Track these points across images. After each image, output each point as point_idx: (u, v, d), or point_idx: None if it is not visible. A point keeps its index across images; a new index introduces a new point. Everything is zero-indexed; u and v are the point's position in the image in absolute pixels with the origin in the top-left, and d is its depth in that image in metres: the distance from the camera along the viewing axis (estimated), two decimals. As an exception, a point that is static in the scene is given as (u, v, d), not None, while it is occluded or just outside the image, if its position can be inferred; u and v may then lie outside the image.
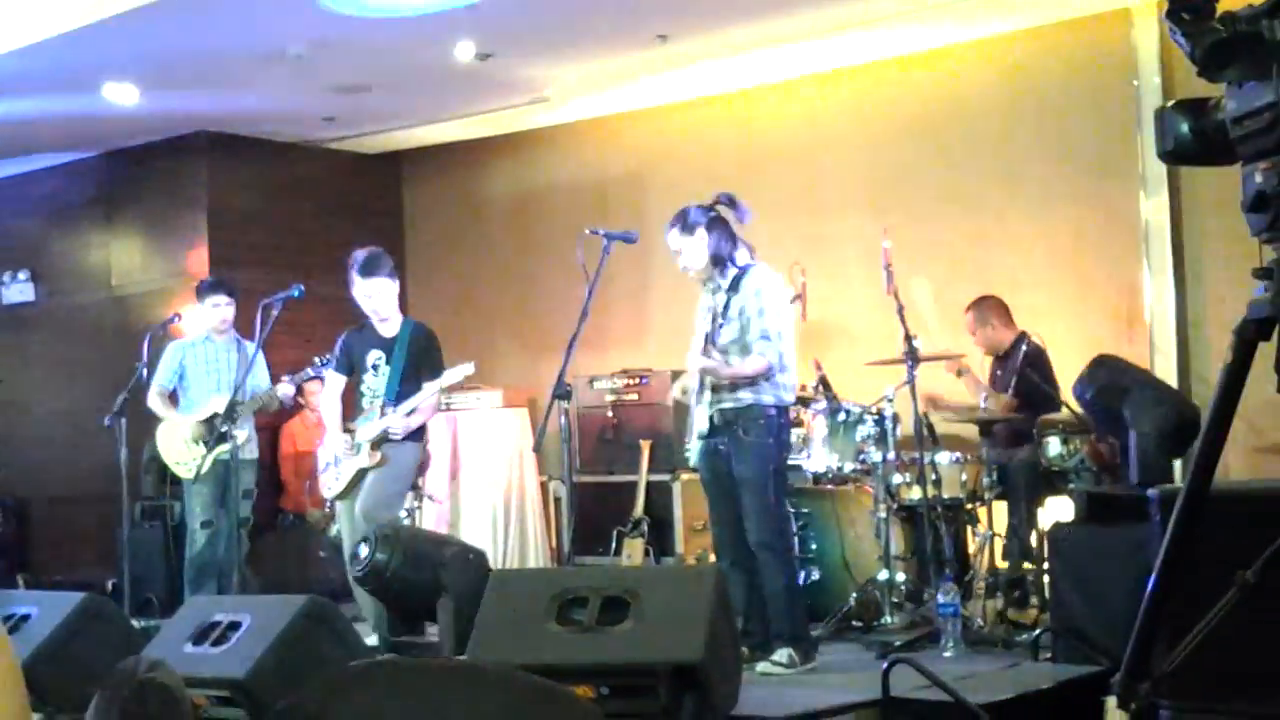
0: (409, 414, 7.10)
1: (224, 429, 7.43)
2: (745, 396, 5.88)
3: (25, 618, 5.26)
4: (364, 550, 6.24)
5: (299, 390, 9.75)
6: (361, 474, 7.14)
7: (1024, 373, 7.25)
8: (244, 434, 7.85)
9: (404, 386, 7.14)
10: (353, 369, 7.34)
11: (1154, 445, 5.91)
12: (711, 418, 5.94)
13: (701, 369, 5.88)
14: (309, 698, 3.01)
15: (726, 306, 5.94)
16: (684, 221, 6.02)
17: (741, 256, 6.05)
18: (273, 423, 10.00)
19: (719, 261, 6.00)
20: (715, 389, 5.93)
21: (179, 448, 8.10)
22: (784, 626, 5.87)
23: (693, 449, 6.10)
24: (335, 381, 7.41)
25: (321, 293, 8.92)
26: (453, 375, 7.07)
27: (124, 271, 11.26)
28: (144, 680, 2.78)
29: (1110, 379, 6.20)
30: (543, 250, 10.59)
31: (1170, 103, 2.87)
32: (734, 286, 5.96)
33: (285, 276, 8.69)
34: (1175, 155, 2.89)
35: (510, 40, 8.76)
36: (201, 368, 8.19)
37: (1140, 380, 6.37)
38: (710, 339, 5.94)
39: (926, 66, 9.07)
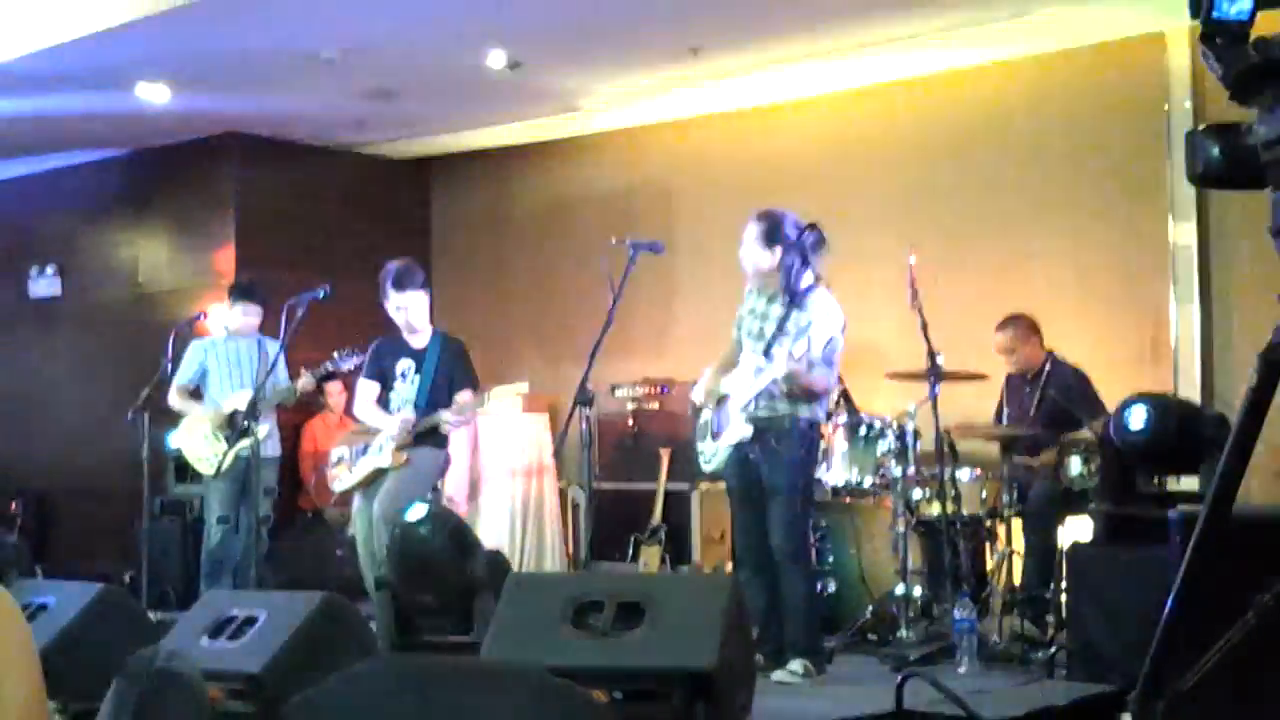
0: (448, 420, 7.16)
1: (245, 425, 7.45)
2: (781, 407, 5.91)
3: (43, 607, 5.27)
4: (414, 513, 6.22)
5: (319, 389, 9.79)
6: (378, 473, 7.16)
7: (1053, 395, 7.22)
8: (265, 430, 7.87)
9: (434, 395, 7.18)
10: (384, 377, 7.37)
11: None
12: (746, 422, 5.95)
13: (790, 372, 5.77)
14: (323, 694, 3.02)
15: (784, 319, 5.94)
16: (773, 231, 6.03)
17: (806, 279, 6.05)
18: (293, 421, 10.04)
19: (786, 284, 5.99)
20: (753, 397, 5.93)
21: (200, 444, 8.13)
22: (800, 637, 5.89)
23: (719, 454, 6.09)
24: (368, 389, 7.41)
25: (347, 295, 8.93)
26: (506, 391, 7.15)
27: (151, 269, 11.32)
28: (162, 670, 2.78)
29: (1184, 416, 5.97)
30: (568, 258, 10.61)
31: (1201, 126, 2.86)
32: (798, 303, 5.95)
33: (311, 279, 8.69)
34: (1206, 179, 2.88)
35: (541, 50, 8.79)
36: (224, 366, 8.23)
37: (1198, 412, 6.21)
38: (765, 353, 5.94)
39: (957, 86, 9.07)
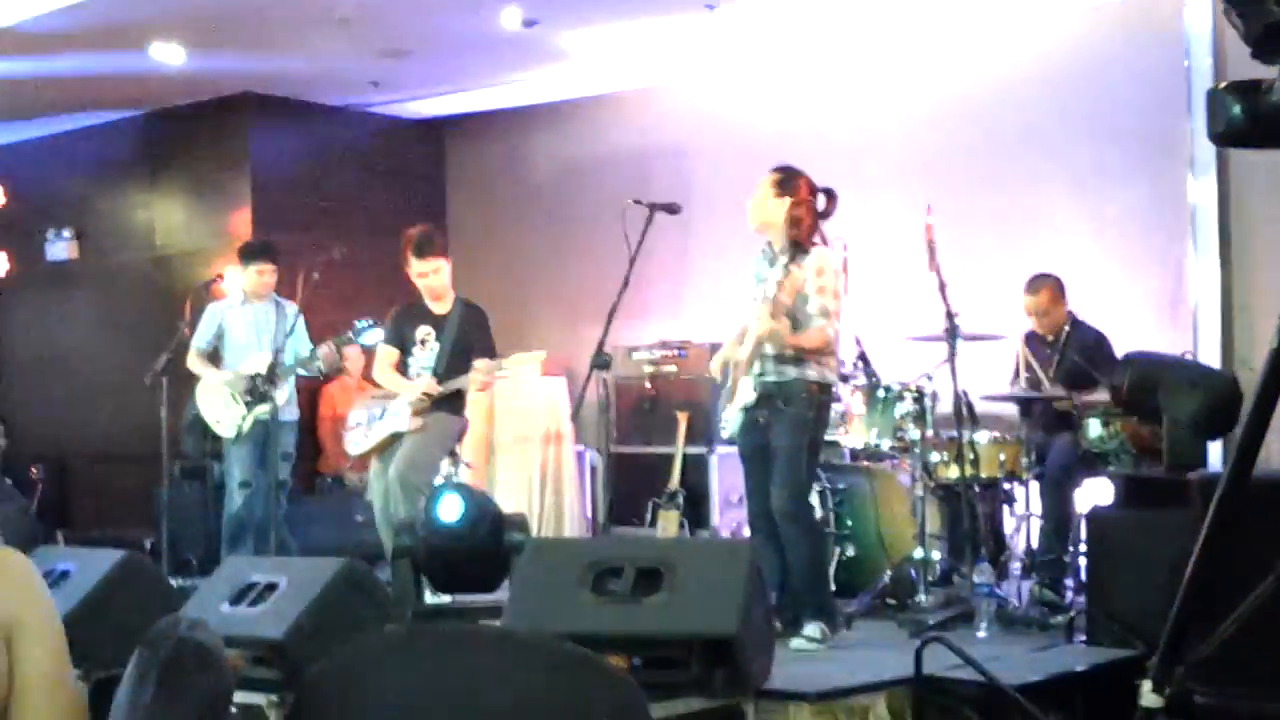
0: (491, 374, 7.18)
1: (264, 389, 7.46)
2: (790, 371, 5.86)
3: (65, 574, 5.28)
4: (456, 510, 6.19)
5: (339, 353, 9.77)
6: (395, 437, 7.18)
7: (1074, 356, 7.20)
8: (283, 395, 7.89)
9: (453, 361, 7.19)
10: (403, 342, 7.37)
11: (1186, 430, 5.86)
12: (755, 388, 5.92)
13: (767, 332, 5.78)
14: (343, 661, 3.03)
15: (784, 279, 5.90)
16: (788, 182, 6.00)
17: (811, 237, 6.02)
18: (311, 385, 10.05)
19: (794, 238, 5.95)
20: (760, 360, 5.90)
21: (219, 407, 8.15)
22: (810, 599, 5.86)
23: (731, 420, 6.08)
24: (387, 354, 7.43)
25: (363, 257, 8.96)
26: (524, 358, 7.14)
27: (167, 231, 11.32)
28: (183, 639, 2.79)
29: (1141, 376, 6.11)
30: (584, 219, 10.57)
31: (1222, 84, 2.83)
32: (795, 261, 5.92)
33: (327, 240, 8.72)
34: (1226, 137, 2.84)
35: (556, 7, 8.75)
36: (241, 330, 8.23)
37: (1173, 367, 6.31)
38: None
39: (975, 44, 9.02)
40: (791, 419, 5.85)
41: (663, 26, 9.09)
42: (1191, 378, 6.16)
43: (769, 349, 5.85)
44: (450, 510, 6.14)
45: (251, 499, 8.03)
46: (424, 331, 7.30)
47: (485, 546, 6.12)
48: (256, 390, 7.73)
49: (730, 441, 6.31)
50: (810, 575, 5.90)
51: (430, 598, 6.54)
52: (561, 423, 9.71)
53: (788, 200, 5.95)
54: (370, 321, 7.67)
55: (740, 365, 6.02)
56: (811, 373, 5.87)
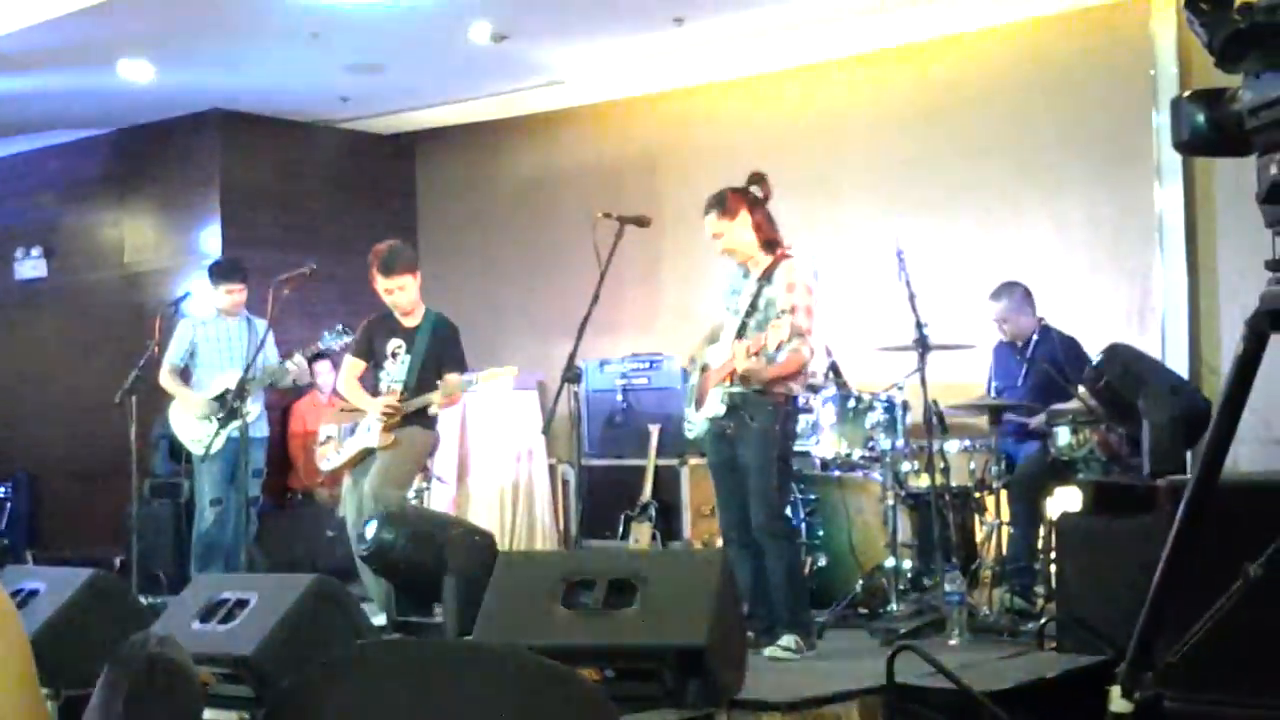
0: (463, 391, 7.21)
1: (235, 405, 7.44)
2: (756, 386, 5.88)
3: (33, 593, 5.26)
4: (371, 530, 6.25)
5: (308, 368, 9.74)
6: (367, 453, 7.18)
7: (1043, 365, 7.23)
8: (254, 411, 7.87)
9: (423, 375, 7.19)
10: (372, 355, 7.37)
11: (1168, 435, 5.88)
12: (721, 400, 5.93)
13: (746, 371, 5.80)
14: (313, 676, 3.02)
15: (757, 296, 5.92)
16: (722, 205, 5.99)
17: (773, 243, 6.04)
18: (282, 402, 10.03)
19: (770, 245, 5.98)
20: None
21: (191, 424, 8.13)
22: (787, 610, 5.87)
23: (697, 423, 6.07)
24: (354, 366, 7.44)
25: (333, 272, 8.93)
26: (498, 372, 7.14)
27: (136, 249, 11.28)
28: (152, 656, 2.77)
29: (1125, 367, 6.15)
30: (555, 232, 10.58)
31: (1186, 93, 2.85)
32: (766, 277, 5.94)
33: (298, 256, 8.69)
34: (1190, 146, 2.88)
35: (526, 22, 8.76)
36: (212, 346, 8.22)
37: (1155, 369, 6.35)
38: (740, 333, 5.93)
39: (942, 53, 9.06)
40: (758, 434, 5.85)
41: (632, 40, 9.11)
42: (1173, 383, 6.19)
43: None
44: (367, 532, 6.24)
45: (222, 516, 8.00)
46: (395, 344, 7.30)
47: (404, 566, 6.18)
48: (227, 407, 7.70)
49: (695, 445, 6.32)
50: (787, 587, 5.91)
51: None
52: (533, 436, 9.71)
53: (740, 215, 5.96)
54: (340, 329, 7.65)
55: (709, 375, 6.04)
56: (778, 386, 5.88)
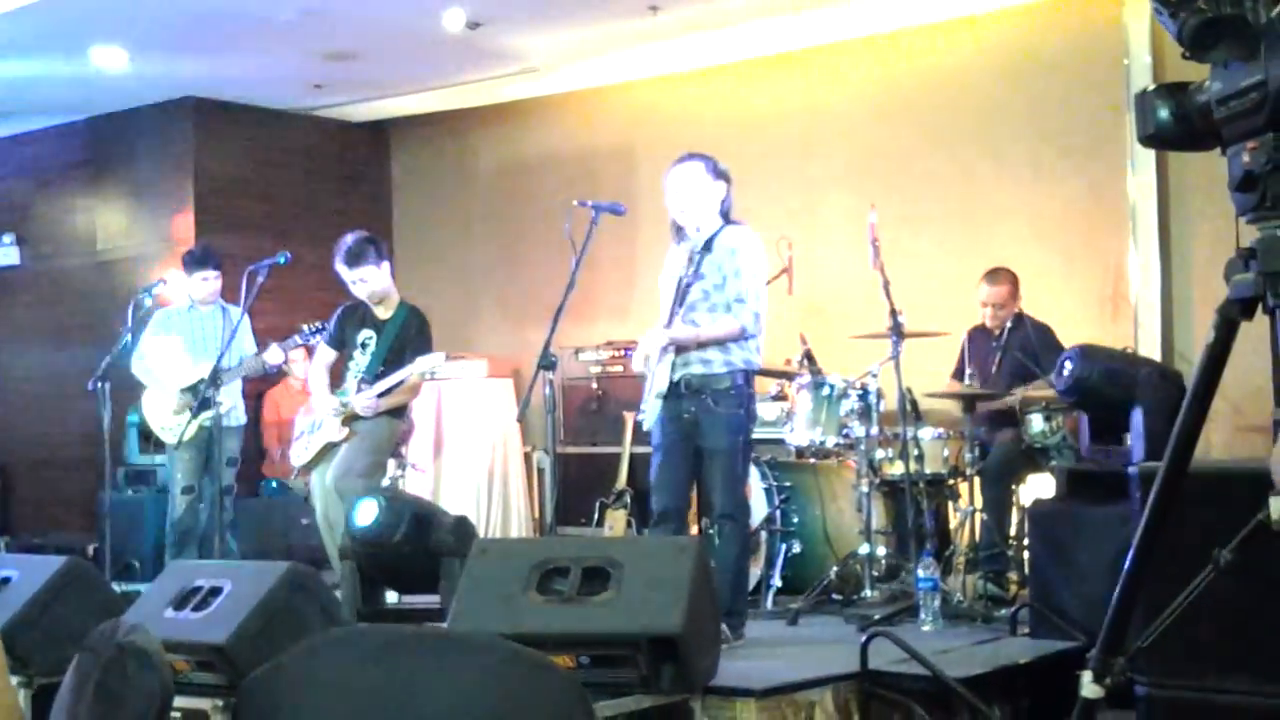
0: (380, 395, 7.13)
1: (208, 395, 7.42)
2: (714, 358, 5.80)
3: (5, 581, 5.24)
4: (371, 515, 6.14)
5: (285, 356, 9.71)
6: (330, 447, 7.18)
7: (1016, 352, 7.25)
8: (229, 401, 7.84)
9: (385, 367, 7.18)
10: (344, 344, 7.35)
11: (1162, 421, 5.85)
12: (679, 382, 5.83)
13: (671, 340, 5.79)
14: (284, 664, 3.02)
15: (699, 265, 5.89)
16: (717, 165, 6.00)
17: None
18: (256, 390, 10.00)
19: (724, 215, 5.98)
20: (681, 350, 5.83)
21: (164, 413, 8.11)
22: (725, 598, 5.66)
23: (650, 410, 5.97)
24: (324, 354, 7.44)
25: (308, 260, 8.92)
26: (422, 364, 7.07)
27: (110, 236, 11.24)
28: (122, 644, 2.78)
29: (1105, 367, 6.06)
30: (530, 221, 10.57)
31: (1151, 87, 2.87)
32: (708, 246, 5.90)
33: (271, 244, 8.68)
34: (1156, 139, 2.89)
35: (500, 9, 8.74)
36: (186, 335, 8.19)
37: (1134, 360, 6.35)
38: (679, 300, 5.88)
39: (917, 42, 9.07)
40: (725, 420, 5.80)
41: (607, 28, 9.09)
42: (1159, 370, 6.19)
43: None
44: (365, 515, 6.14)
45: (195, 504, 8.00)
46: (365, 335, 7.29)
47: (406, 549, 6.09)
48: (200, 396, 7.68)
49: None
50: (732, 575, 5.84)
51: (392, 598, 6.54)
52: (508, 424, 9.71)
53: (722, 183, 5.98)
54: (319, 325, 7.63)
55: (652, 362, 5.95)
56: (736, 359, 5.82)
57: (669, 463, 5.94)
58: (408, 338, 7.25)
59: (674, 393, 5.85)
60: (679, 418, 5.87)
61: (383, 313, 7.31)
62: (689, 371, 5.82)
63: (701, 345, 5.81)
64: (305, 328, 7.73)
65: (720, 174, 5.99)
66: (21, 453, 11.47)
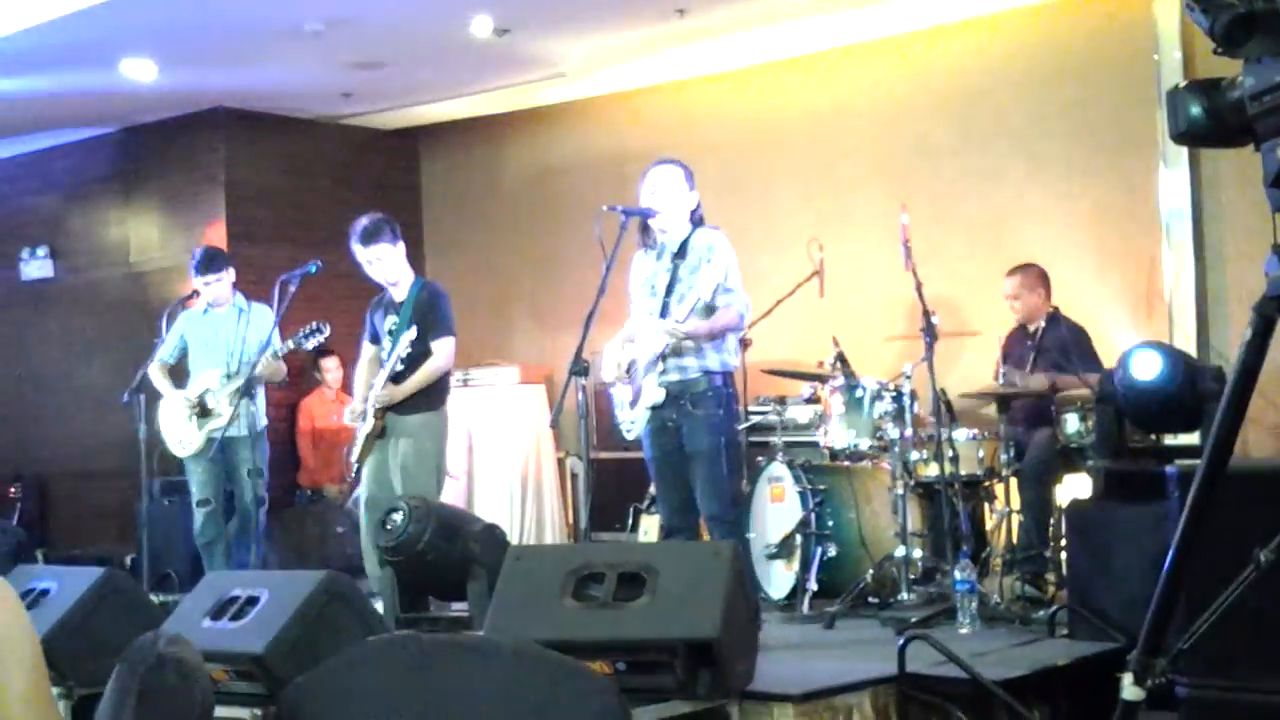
0: (392, 381, 7.01)
1: (208, 405, 7.35)
2: (689, 364, 5.82)
3: (44, 593, 5.28)
4: (397, 519, 6.12)
5: (314, 365, 9.71)
6: (370, 439, 7.07)
7: (1049, 351, 7.21)
8: (228, 412, 7.72)
9: (410, 349, 7.00)
10: (378, 337, 7.29)
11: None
12: (659, 385, 5.85)
13: (687, 334, 5.76)
14: (324, 673, 3.03)
15: (675, 274, 5.89)
16: (691, 174, 6.07)
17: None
18: (289, 399, 10.03)
19: (695, 222, 6.03)
20: (660, 359, 5.85)
21: (178, 424, 8.02)
22: None
23: (637, 421, 5.99)
24: (366, 351, 7.31)
25: (340, 269, 8.91)
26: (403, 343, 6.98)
27: (142, 248, 11.29)
28: (162, 654, 2.79)
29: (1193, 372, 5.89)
30: (560, 226, 10.58)
31: (1182, 83, 2.85)
32: (681, 252, 5.92)
33: (303, 253, 8.68)
34: (1188, 136, 2.87)
35: (528, 15, 8.74)
36: (201, 341, 8.10)
37: (1184, 357, 6.19)
38: (662, 310, 5.88)
39: (946, 41, 9.04)
40: (703, 422, 5.81)
41: (634, 32, 9.09)
42: (1211, 370, 6.08)
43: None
44: (394, 522, 6.13)
45: (211, 517, 7.89)
46: (390, 321, 7.13)
47: (431, 556, 6.07)
48: (204, 406, 7.65)
49: (637, 443, 6.20)
50: None
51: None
52: (541, 430, 9.70)
53: (694, 193, 6.04)
54: (314, 325, 7.55)
55: (638, 371, 5.96)
56: (712, 363, 5.83)
57: (664, 481, 6.03)
58: (421, 315, 7.06)
59: (659, 402, 5.89)
60: (664, 427, 5.93)
61: (400, 295, 7.20)
62: (667, 379, 5.86)
63: (679, 352, 5.82)
64: (301, 332, 7.64)
65: (693, 185, 6.07)
66: (58, 465, 11.53)
